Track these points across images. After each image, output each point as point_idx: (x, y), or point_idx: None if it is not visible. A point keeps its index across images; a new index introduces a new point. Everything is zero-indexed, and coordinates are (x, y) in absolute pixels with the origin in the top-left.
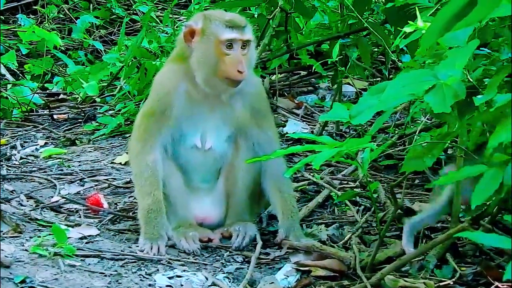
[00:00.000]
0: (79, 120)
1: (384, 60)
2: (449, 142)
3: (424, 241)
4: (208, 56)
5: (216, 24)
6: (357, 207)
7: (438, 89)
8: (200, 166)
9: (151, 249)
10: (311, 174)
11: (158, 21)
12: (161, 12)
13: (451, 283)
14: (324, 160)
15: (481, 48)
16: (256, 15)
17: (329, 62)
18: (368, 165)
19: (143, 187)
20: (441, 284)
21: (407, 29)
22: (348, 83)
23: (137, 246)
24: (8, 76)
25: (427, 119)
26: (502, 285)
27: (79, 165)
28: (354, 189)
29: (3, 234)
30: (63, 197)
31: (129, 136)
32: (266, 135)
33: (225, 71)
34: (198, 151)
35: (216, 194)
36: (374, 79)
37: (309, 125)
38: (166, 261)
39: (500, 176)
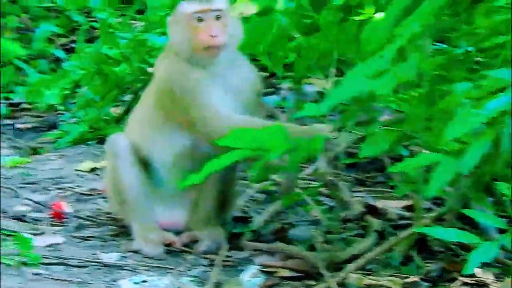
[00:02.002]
0: (42, 129)
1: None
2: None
3: (389, 238)
4: (182, 34)
5: (183, 1)
6: (321, 206)
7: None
8: None
9: None
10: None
11: (118, 27)
12: (121, 18)
13: (417, 279)
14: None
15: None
16: None
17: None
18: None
19: None
20: (406, 280)
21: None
22: (309, 83)
23: (103, 252)
24: None
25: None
26: (471, 280)
27: (43, 174)
28: (317, 188)
29: None
30: (28, 204)
31: (93, 143)
32: None
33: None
34: None
35: (182, 199)
36: (336, 78)
37: None
38: (131, 266)
39: (455, 165)
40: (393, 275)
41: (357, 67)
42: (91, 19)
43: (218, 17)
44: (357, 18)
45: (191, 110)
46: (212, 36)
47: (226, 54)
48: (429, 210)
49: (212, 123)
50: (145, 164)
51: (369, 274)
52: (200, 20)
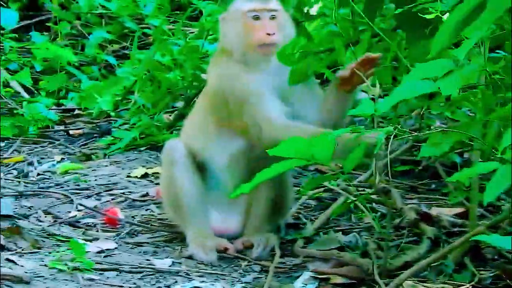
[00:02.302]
0: (95, 135)
1: (396, 66)
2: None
3: (442, 245)
4: (236, 32)
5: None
6: (374, 214)
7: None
8: None
9: None
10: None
11: (171, 34)
12: (173, 25)
13: (470, 287)
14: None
15: (496, 51)
16: None
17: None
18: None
19: None
20: None
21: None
22: (362, 90)
23: (156, 258)
24: (24, 93)
25: (442, 123)
26: None
27: (96, 180)
28: (370, 195)
29: (22, 250)
30: (81, 210)
31: (145, 149)
32: None
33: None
34: None
35: (236, 204)
36: (387, 85)
37: None
38: (185, 272)
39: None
40: (447, 282)
41: (417, 68)
42: (143, 25)
43: (273, 17)
44: (427, 16)
45: (244, 114)
46: (268, 34)
47: None
48: (481, 217)
49: (265, 128)
50: (200, 169)
51: (422, 281)
52: (256, 18)
